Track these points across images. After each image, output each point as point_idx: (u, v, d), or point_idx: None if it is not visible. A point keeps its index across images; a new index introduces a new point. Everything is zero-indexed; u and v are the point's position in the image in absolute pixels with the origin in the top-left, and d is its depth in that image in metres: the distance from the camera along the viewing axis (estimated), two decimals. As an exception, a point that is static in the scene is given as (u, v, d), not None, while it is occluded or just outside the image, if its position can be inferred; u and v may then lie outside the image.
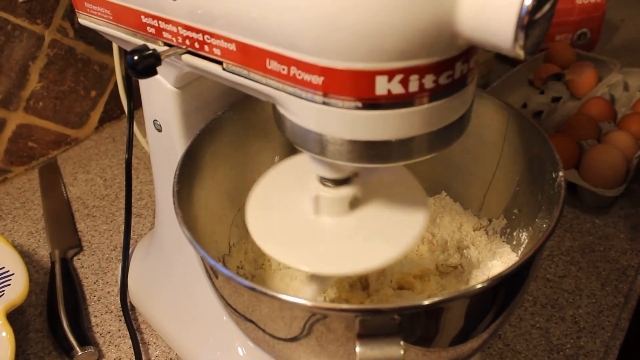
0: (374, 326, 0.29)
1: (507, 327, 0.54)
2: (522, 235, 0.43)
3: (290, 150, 0.41)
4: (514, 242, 0.44)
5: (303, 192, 0.37)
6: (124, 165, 0.70)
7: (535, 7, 0.24)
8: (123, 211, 0.71)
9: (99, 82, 0.85)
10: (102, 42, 0.82)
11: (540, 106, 0.81)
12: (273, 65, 0.29)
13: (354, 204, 0.37)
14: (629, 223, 0.65)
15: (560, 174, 0.36)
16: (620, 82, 0.83)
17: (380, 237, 0.35)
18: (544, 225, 0.38)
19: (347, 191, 0.36)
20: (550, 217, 0.36)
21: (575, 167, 0.68)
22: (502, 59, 0.96)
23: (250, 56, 0.30)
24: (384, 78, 0.26)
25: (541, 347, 0.52)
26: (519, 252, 0.43)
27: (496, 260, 0.45)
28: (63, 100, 0.81)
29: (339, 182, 0.36)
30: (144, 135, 0.49)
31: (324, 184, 0.36)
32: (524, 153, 0.42)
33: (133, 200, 0.73)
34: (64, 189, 0.76)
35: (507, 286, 0.33)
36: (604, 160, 0.65)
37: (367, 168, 0.31)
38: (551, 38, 0.94)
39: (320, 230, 0.37)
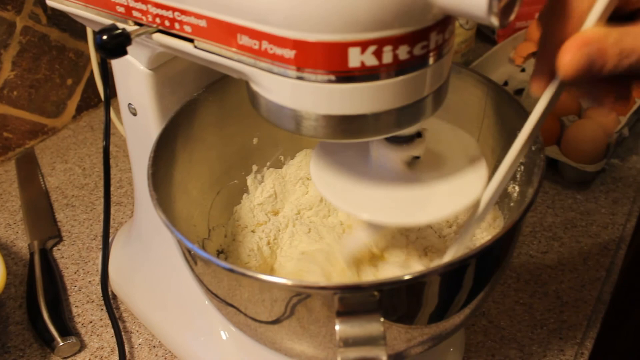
0: (354, 303, 0.28)
1: (490, 303, 0.54)
2: (504, 210, 0.43)
3: (269, 129, 0.40)
4: (494, 216, 0.44)
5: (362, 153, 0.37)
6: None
7: (509, -27, 0.23)
8: (103, 200, 0.70)
9: (75, 70, 0.83)
10: (76, 29, 0.80)
11: (521, 84, 0.81)
12: (244, 40, 0.28)
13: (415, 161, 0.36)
14: (610, 198, 0.65)
15: (540, 146, 0.36)
16: (599, 58, 0.83)
17: (439, 194, 0.35)
18: (526, 200, 0.37)
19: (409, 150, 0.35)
20: (531, 189, 0.36)
21: (556, 143, 0.68)
22: (482, 38, 0.96)
23: (221, 32, 0.29)
24: (357, 50, 0.25)
25: (525, 322, 0.53)
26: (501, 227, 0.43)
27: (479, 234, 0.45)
28: (38, 89, 0.79)
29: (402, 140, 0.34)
30: (122, 122, 0.48)
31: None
32: (504, 127, 0.41)
33: (113, 189, 0.72)
34: (41, 180, 0.75)
35: (487, 260, 0.33)
36: (584, 136, 0.65)
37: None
38: (531, 16, 0.93)
39: (382, 185, 0.36)
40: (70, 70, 0.83)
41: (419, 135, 0.34)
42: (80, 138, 0.82)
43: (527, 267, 0.58)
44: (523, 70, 0.84)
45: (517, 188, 0.40)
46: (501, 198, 0.43)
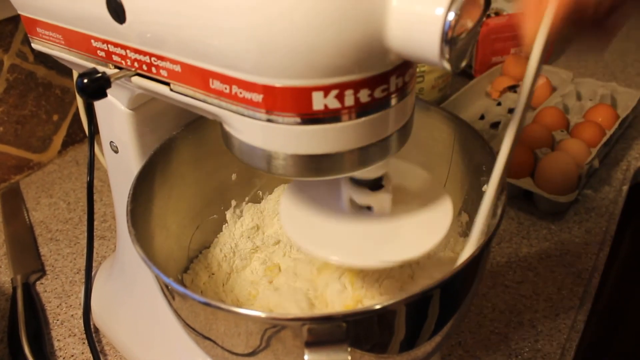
0: (322, 334, 0.30)
1: (466, 333, 0.55)
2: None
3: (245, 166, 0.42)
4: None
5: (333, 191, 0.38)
6: (86, 188, 0.70)
7: (458, 23, 0.25)
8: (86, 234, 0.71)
9: (61, 106, 0.85)
10: (63, 67, 0.82)
11: (497, 117, 0.83)
12: (216, 84, 0.30)
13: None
14: (583, 227, 0.67)
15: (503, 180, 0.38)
16: (572, 91, 0.86)
17: (406, 236, 0.37)
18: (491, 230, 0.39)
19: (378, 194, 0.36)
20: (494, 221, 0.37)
21: (530, 175, 0.70)
22: (459, 73, 0.99)
23: (194, 76, 0.31)
24: (320, 94, 0.27)
25: (500, 352, 0.54)
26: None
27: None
28: (24, 125, 0.81)
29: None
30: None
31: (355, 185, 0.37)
32: (471, 162, 0.43)
33: (97, 223, 0.73)
34: (26, 214, 0.75)
35: (453, 289, 0.34)
36: (557, 168, 0.67)
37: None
38: (506, 51, 0.97)
39: (349, 227, 0.37)
40: (57, 107, 0.84)
41: (380, 187, 0.36)
42: (66, 173, 0.83)
43: (502, 297, 0.59)
44: (499, 104, 0.86)
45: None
46: (470, 230, 0.45)
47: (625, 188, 0.73)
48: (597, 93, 0.85)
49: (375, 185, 0.36)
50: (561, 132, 0.76)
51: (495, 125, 0.82)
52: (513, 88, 0.89)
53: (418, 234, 0.37)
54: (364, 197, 0.36)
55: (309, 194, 0.39)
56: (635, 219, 0.79)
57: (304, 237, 0.36)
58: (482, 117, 0.84)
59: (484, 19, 0.30)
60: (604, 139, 0.72)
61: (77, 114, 0.87)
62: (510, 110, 0.85)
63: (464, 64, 0.28)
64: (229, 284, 0.48)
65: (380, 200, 0.36)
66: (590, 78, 0.89)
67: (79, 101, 0.70)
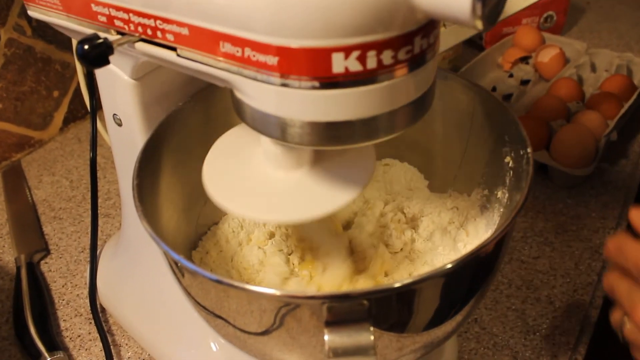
0: (343, 313, 0.28)
1: (483, 310, 0.54)
2: (494, 215, 0.43)
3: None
4: (486, 222, 0.43)
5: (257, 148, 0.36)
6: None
7: (491, -25, 0.23)
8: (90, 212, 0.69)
9: (62, 82, 0.83)
10: (62, 40, 0.80)
11: (509, 89, 0.81)
12: (227, 47, 0.28)
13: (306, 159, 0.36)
14: (600, 201, 0.65)
15: (529, 150, 0.36)
16: (587, 62, 0.83)
17: (328, 188, 0.35)
18: (515, 205, 0.37)
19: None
20: (520, 194, 0.35)
21: (545, 148, 0.68)
22: (469, 44, 0.96)
23: (203, 40, 0.29)
24: (341, 55, 0.25)
25: (517, 328, 0.52)
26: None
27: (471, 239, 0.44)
28: (24, 102, 0.79)
29: None
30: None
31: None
32: (492, 133, 0.41)
33: (101, 200, 0.71)
34: (28, 193, 0.74)
35: (479, 265, 0.33)
36: (573, 140, 0.65)
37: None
38: (518, 22, 0.94)
39: (272, 183, 0.36)
40: (57, 82, 0.82)
41: None
42: (68, 150, 0.82)
43: (518, 272, 0.58)
44: (511, 75, 0.84)
45: (506, 194, 0.40)
46: (492, 204, 0.43)
47: (642, 161, 0.71)
48: (613, 64, 0.82)
49: None
50: (577, 103, 0.74)
51: (507, 97, 0.80)
52: (525, 59, 0.86)
53: (337, 189, 0.35)
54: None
55: (232, 152, 0.38)
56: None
57: (228, 197, 0.35)
58: (494, 89, 0.81)
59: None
60: (622, 111, 0.70)
61: (78, 89, 0.85)
62: (523, 82, 0.82)
63: (497, 22, 0.26)
64: (235, 259, 0.46)
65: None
66: (605, 49, 0.86)
67: (80, 74, 0.68)
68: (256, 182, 0.36)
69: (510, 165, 0.39)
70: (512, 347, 0.51)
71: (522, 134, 0.37)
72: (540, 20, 0.95)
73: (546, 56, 0.83)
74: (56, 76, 0.82)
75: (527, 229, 0.62)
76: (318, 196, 0.34)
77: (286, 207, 0.34)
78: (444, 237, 0.45)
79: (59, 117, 0.84)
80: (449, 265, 0.29)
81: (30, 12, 0.42)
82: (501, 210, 0.41)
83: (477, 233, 0.43)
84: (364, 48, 0.25)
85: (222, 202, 0.34)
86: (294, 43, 0.25)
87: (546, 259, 0.59)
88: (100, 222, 0.68)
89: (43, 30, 0.77)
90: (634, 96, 0.72)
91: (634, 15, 1.05)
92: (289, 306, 0.30)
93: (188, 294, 0.36)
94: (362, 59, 0.25)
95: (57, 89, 0.82)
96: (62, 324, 0.56)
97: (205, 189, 0.35)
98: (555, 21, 0.95)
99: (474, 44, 0.97)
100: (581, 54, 0.86)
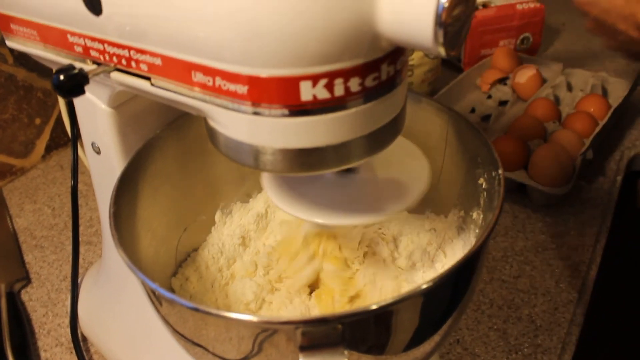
0: (316, 337, 0.28)
1: (464, 330, 0.54)
2: (470, 236, 0.43)
3: (234, 164, 0.40)
4: (463, 243, 0.44)
5: None
6: (71, 192, 0.68)
7: (453, 5, 0.24)
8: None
9: (44, 109, 0.83)
10: (44, 68, 0.80)
11: (488, 110, 0.82)
12: (199, 77, 0.28)
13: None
14: (579, 219, 0.66)
15: (500, 171, 0.36)
16: (563, 82, 0.85)
17: (379, 198, 0.37)
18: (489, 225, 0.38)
19: None
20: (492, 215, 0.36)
21: (523, 167, 0.69)
22: (448, 66, 0.98)
23: (175, 69, 0.29)
24: (308, 83, 0.26)
25: (500, 348, 0.52)
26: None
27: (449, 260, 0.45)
28: (5, 130, 0.79)
29: None
30: (88, 160, 0.48)
31: None
32: (465, 155, 0.42)
33: (83, 228, 0.71)
34: (9, 221, 0.73)
35: (452, 286, 0.33)
36: (550, 159, 0.66)
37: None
38: (495, 44, 0.96)
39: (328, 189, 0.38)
40: (39, 110, 0.82)
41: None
42: (50, 178, 0.81)
43: (499, 292, 0.58)
44: (489, 96, 0.85)
45: (481, 215, 0.41)
46: (467, 225, 0.43)
47: (619, 178, 0.72)
48: (588, 83, 0.84)
49: None
50: (553, 123, 0.75)
51: (486, 118, 0.81)
52: (502, 80, 0.88)
53: (393, 197, 0.37)
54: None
55: None
56: (630, 208, 0.78)
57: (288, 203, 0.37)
58: (472, 111, 0.83)
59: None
60: (597, 129, 0.71)
61: (60, 117, 0.85)
62: (501, 103, 0.84)
63: (459, 48, 0.26)
64: (215, 284, 0.46)
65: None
66: (580, 69, 0.88)
67: (61, 102, 0.68)
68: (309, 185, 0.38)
69: (483, 186, 0.39)
70: (494, 366, 0.51)
71: (493, 156, 0.37)
72: (517, 42, 0.96)
73: (523, 77, 0.85)
74: (38, 104, 0.82)
75: (507, 249, 0.63)
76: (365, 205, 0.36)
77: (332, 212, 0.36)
78: (423, 257, 0.45)
79: (41, 144, 0.84)
80: (422, 287, 0.29)
81: (8, 43, 0.42)
82: (477, 231, 0.41)
83: (454, 254, 0.44)
84: (331, 76, 0.26)
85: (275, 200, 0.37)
86: (263, 72, 0.26)
87: (527, 278, 0.59)
88: (82, 250, 0.67)
89: (25, 58, 0.77)
90: (608, 114, 0.73)
91: (609, 35, 1.07)
92: (266, 332, 0.30)
93: (167, 322, 0.36)
94: (329, 87, 0.26)
95: (39, 117, 0.82)
96: (43, 355, 0.56)
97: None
98: (532, 42, 0.97)
99: (452, 66, 0.98)
100: (557, 74, 0.87)
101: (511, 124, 0.75)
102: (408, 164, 0.40)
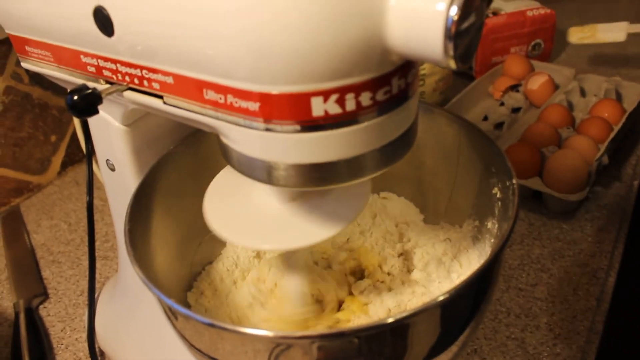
0: (333, 351, 0.28)
1: (482, 340, 0.54)
2: (486, 246, 0.43)
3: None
4: (478, 253, 0.44)
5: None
6: (86, 208, 0.69)
7: (462, 18, 0.24)
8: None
9: (59, 126, 0.84)
10: (58, 87, 0.81)
11: (501, 117, 0.82)
12: (210, 95, 0.29)
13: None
14: (596, 225, 0.66)
15: (514, 181, 0.36)
16: (576, 88, 0.84)
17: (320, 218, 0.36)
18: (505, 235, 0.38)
19: None
20: (507, 224, 0.36)
21: (538, 174, 0.68)
22: (460, 74, 0.98)
23: (187, 88, 0.30)
24: (319, 99, 0.26)
25: (518, 358, 0.52)
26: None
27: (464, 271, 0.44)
28: (22, 147, 0.80)
29: None
30: (102, 176, 0.49)
31: None
32: (479, 164, 0.42)
33: (99, 243, 0.72)
34: (27, 237, 0.74)
35: (469, 295, 0.33)
36: (565, 166, 0.66)
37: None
38: (507, 51, 0.95)
39: (269, 215, 0.37)
40: (54, 127, 0.83)
41: None
42: (66, 194, 0.82)
43: (517, 300, 0.57)
44: (502, 104, 0.85)
45: (496, 224, 0.40)
46: (483, 235, 0.43)
47: (636, 183, 0.71)
48: (602, 88, 0.83)
49: None
50: (567, 129, 0.74)
51: (499, 125, 0.80)
52: (515, 87, 0.88)
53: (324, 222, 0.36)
54: None
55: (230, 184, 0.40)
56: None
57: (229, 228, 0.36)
58: (485, 118, 0.82)
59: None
60: (612, 134, 0.70)
61: (75, 133, 0.86)
62: (514, 110, 0.83)
63: (471, 60, 0.26)
64: (230, 297, 0.46)
65: None
66: (593, 74, 0.88)
67: (76, 120, 0.69)
68: (253, 214, 0.37)
69: (498, 196, 0.39)
70: (513, 377, 0.51)
71: (507, 165, 0.37)
72: (529, 49, 0.96)
73: (535, 83, 0.85)
74: (53, 121, 0.83)
75: (523, 257, 0.62)
76: (306, 228, 0.35)
77: (276, 237, 0.35)
78: (439, 268, 0.45)
79: (57, 161, 0.85)
80: (441, 298, 0.29)
81: (23, 64, 0.43)
82: (492, 240, 0.41)
83: (470, 264, 0.44)
84: (342, 91, 0.26)
85: (221, 232, 0.36)
86: (274, 89, 0.26)
87: (544, 286, 0.59)
88: (98, 265, 0.68)
89: (40, 77, 0.78)
90: (623, 119, 0.73)
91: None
92: (281, 346, 0.30)
93: (182, 337, 0.36)
94: (340, 102, 0.26)
95: (55, 134, 0.84)
96: (61, 370, 0.56)
97: (205, 220, 0.37)
98: (543, 49, 0.97)
99: (464, 75, 0.98)
100: (570, 80, 0.87)
101: (524, 131, 0.74)
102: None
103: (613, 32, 0.79)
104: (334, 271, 0.46)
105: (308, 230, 0.35)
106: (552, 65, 0.92)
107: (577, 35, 0.78)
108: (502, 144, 0.72)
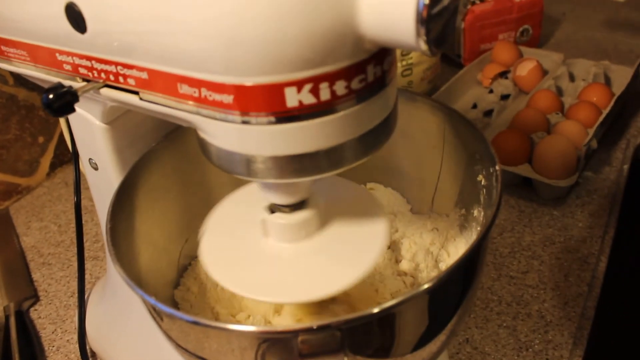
0: (316, 345, 0.28)
1: (473, 329, 0.53)
2: (472, 234, 0.43)
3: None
4: (465, 241, 0.43)
5: (256, 219, 0.36)
6: (75, 208, 0.69)
7: (433, 1, 0.23)
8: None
9: (46, 128, 0.83)
10: (44, 88, 0.80)
11: (490, 105, 0.81)
12: (185, 89, 0.28)
13: (311, 228, 0.36)
14: (586, 211, 0.65)
15: (497, 167, 0.36)
16: (565, 73, 0.84)
17: (337, 261, 0.34)
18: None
19: (299, 216, 0.35)
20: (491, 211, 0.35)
21: (528, 161, 0.68)
22: (448, 62, 0.97)
23: (162, 82, 0.29)
24: (293, 89, 0.25)
25: (510, 346, 0.52)
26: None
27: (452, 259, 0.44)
28: (9, 149, 0.79)
29: (293, 207, 0.35)
30: (88, 176, 0.48)
31: (278, 210, 0.35)
32: (464, 152, 0.41)
33: (89, 243, 0.71)
34: (17, 240, 0.74)
35: (454, 283, 0.32)
36: (554, 151, 0.66)
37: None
38: (494, 38, 0.95)
39: (274, 257, 0.36)
40: (41, 128, 0.82)
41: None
42: (55, 195, 0.82)
43: (508, 288, 0.57)
44: (491, 91, 0.85)
45: (482, 212, 0.40)
46: (469, 223, 0.43)
47: (626, 167, 0.71)
48: (590, 73, 0.83)
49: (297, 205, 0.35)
50: (556, 114, 0.74)
51: (488, 113, 0.80)
52: (504, 74, 0.87)
53: (343, 264, 0.34)
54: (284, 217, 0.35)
55: (229, 224, 0.38)
56: (638, 197, 0.77)
57: (224, 272, 0.35)
58: (474, 106, 0.82)
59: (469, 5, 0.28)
60: (600, 118, 0.70)
61: (62, 134, 0.85)
62: (503, 97, 0.83)
63: (444, 45, 0.26)
64: (218, 289, 0.46)
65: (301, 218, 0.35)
66: (582, 58, 0.87)
67: (62, 120, 0.69)
68: (257, 257, 0.36)
69: (482, 183, 0.39)
70: (506, 364, 0.50)
71: (490, 152, 0.37)
72: (517, 35, 0.96)
73: (524, 70, 0.84)
74: (40, 122, 0.82)
75: (514, 244, 0.62)
76: (320, 275, 0.34)
77: (287, 288, 0.34)
78: (427, 257, 0.45)
79: (46, 162, 0.85)
80: (425, 286, 0.29)
81: (1, 65, 0.42)
82: (478, 228, 0.41)
83: (457, 253, 0.43)
84: (316, 81, 0.25)
85: (223, 283, 0.34)
86: (248, 81, 0.26)
87: (535, 273, 0.59)
88: (88, 265, 0.68)
89: (25, 78, 0.77)
90: (611, 103, 0.72)
91: (610, 22, 1.06)
92: (266, 342, 0.30)
93: (169, 337, 0.36)
94: (315, 92, 0.26)
95: (42, 135, 0.83)
96: (53, 372, 0.56)
97: (204, 268, 0.35)
98: (532, 34, 0.97)
99: (452, 62, 0.98)
100: (558, 65, 0.86)
101: (513, 117, 0.74)
102: (364, 223, 0.37)
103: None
104: None
105: (319, 280, 0.34)
106: (541, 51, 0.91)
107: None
108: (492, 132, 0.72)
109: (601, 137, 0.73)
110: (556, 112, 0.75)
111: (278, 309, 0.42)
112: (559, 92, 0.82)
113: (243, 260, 0.36)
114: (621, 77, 0.81)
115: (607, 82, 0.83)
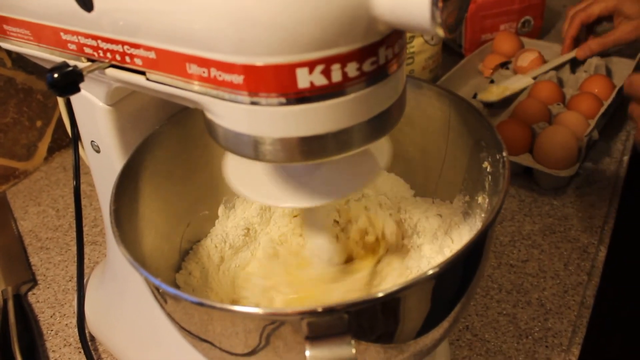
0: (322, 327, 0.28)
1: (474, 317, 0.54)
2: (476, 221, 0.42)
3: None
4: (469, 228, 0.43)
5: None
6: (74, 193, 0.68)
7: (448, -17, 0.23)
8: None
9: (44, 111, 0.83)
10: (43, 70, 0.80)
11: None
12: (193, 69, 0.28)
13: None
14: (586, 201, 0.66)
15: (504, 154, 0.36)
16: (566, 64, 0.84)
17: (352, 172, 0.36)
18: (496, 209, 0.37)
19: None
20: (498, 198, 0.35)
21: (529, 151, 0.68)
22: (449, 52, 0.97)
23: (170, 62, 0.29)
24: (305, 70, 0.25)
25: (510, 333, 0.52)
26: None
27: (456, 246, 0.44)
28: (7, 133, 0.78)
29: None
30: (89, 159, 0.48)
31: None
32: (469, 139, 0.41)
33: (88, 228, 0.71)
34: (14, 224, 0.73)
35: (459, 270, 0.32)
36: (555, 142, 0.66)
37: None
38: (496, 28, 0.95)
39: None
40: (39, 112, 0.82)
41: None
42: (53, 179, 0.81)
43: (508, 277, 0.57)
44: (492, 81, 0.84)
45: (486, 199, 0.40)
46: (473, 210, 0.43)
47: (626, 158, 0.71)
48: (592, 64, 0.83)
49: None
50: (557, 105, 0.74)
51: (490, 103, 0.80)
52: (505, 65, 0.87)
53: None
54: None
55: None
56: (638, 188, 0.77)
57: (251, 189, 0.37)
58: (474, 96, 0.82)
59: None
60: (602, 110, 0.70)
61: (61, 118, 0.84)
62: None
63: (458, 28, 0.26)
64: (219, 273, 0.46)
65: None
66: (583, 49, 0.87)
67: (60, 103, 0.68)
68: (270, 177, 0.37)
69: (488, 170, 0.39)
70: (505, 352, 0.51)
71: (497, 138, 0.37)
72: (518, 26, 0.95)
73: (525, 60, 0.84)
74: (38, 106, 0.81)
75: (514, 233, 0.62)
76: (325, 187, 0.35)
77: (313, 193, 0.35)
78: (433, 243, 0.45)
79: (44, 146, 0.84)
80: (430, 272, 0.29)
81: (3, 45, 0.42)
82: (482, 215, 0.41)
83: (461, 239, 0.43)
84: (328, 62, 0.25)
85: (242, 191, 0.37)
86: (259, 61, 0.25)
87: (535, 262, 0.59)
88: (87, 250, 0.67)
89: (23, 61, 0.77)
90: (613, 94, 0.72)
91: (611, 15, 1.06)
92: (272, 324, 0.30)
93: (172, 319, 0.36)
94: (326, 73, 0.25)
95: (40, 119, 0.82)
96: (52, 355, 0.56)
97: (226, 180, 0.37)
98: (533, 25, 0.96)
99: (453, 52, 0.97)
100: (560, 56, 0.86)
101: (515, 107, 0.74)
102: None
103: (520, 82, 0.80)
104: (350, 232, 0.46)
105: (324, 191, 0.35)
106: (542, 42, 0.91)
107: (490, 96, 0.80)
108: (493, 121, 0.71)
109: (602, 129, 0.73)
110: (558, 102, 0.74)
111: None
112: (560, 83, 0.82)
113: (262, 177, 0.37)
114: (622, 69, 0.81)
115: (609, 73, 0.83)
